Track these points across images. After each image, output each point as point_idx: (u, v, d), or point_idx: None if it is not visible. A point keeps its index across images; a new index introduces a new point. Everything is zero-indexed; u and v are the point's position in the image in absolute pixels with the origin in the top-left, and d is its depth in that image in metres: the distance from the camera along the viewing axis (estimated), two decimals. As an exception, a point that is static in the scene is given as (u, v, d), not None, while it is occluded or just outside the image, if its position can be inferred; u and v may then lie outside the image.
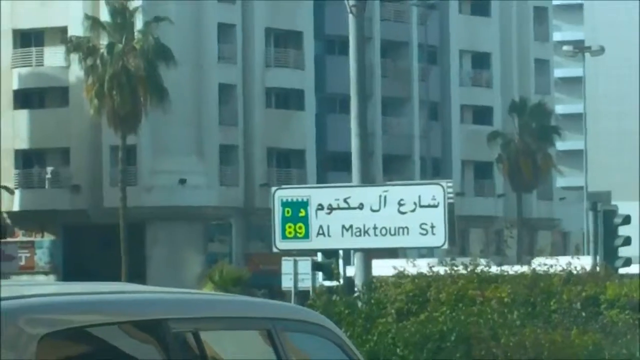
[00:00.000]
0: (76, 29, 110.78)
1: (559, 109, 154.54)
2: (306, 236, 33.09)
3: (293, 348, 7.38)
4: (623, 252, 55.63)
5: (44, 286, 7.66)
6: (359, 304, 33.92)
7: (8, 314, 5.44)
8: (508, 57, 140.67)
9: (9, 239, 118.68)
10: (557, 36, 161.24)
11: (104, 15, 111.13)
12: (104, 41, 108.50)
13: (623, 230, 56.21)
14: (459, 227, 69.26)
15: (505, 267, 40.50)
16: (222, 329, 7.10)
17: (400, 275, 35.35)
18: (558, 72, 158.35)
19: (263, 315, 7.62)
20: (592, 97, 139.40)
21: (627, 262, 53.73)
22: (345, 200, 33.17)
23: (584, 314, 30.86)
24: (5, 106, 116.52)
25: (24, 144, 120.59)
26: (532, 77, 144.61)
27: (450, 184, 38.44)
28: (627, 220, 56.93)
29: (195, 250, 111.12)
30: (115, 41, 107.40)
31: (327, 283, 45.74)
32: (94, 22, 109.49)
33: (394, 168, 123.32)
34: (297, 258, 58.40)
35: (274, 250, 36.17)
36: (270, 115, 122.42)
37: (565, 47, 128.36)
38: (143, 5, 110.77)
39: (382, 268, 39.53)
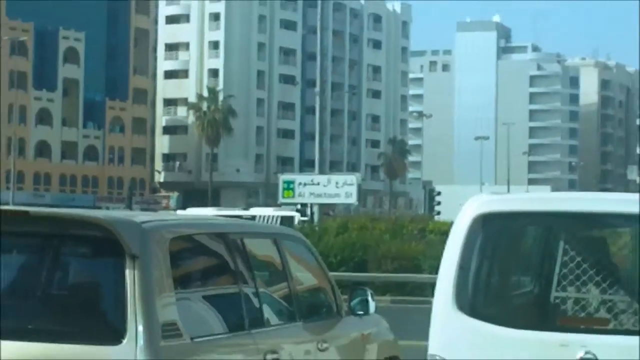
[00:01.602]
0: (192, 98, 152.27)
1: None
2: (293, 197, 46.56)
3: (287, 249, 10.32)
4: (437, 208, 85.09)
5: (170, 216, 10.07)
6: (316, 229, 45.23)
7: (154, 228, 8.14)
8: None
9: (158, 194, 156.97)
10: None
11: (205, 91, 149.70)
12: (204, 104, 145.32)
13: (438, 198, 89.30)
14: (362, 195, 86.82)
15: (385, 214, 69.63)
16: (253, 238, 9.98)
17: (333, 217, 54.04)
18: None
19: (272, 232, 11.27)
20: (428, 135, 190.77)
21: (438, 213, 79.81)
22: (311, 181, 46.71)
23: (418, 235, 42.93)
24: (158, 133, 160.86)
25: (166, 150, 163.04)
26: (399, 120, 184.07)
27: (359, 174, 59.84)
28: (438, 193, 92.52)
29: (242, 202, 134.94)
30: (210, 104, 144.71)
31: (303, 218, 54.86)
32: (200, 96, 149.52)
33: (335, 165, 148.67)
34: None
35: (279, 202, 52.15)
36: (279, 142, 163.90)
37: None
38: (223, 87, 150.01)
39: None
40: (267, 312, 9.08)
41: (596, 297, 8.48)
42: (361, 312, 10.69)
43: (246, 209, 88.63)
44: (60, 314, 7.61)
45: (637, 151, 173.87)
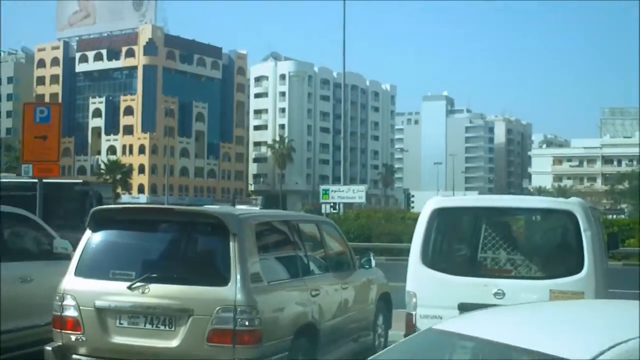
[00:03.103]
0: (269, 141, 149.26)
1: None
2: (328, 198, 43.27)
3: (323, 229, 10.01)
4: (411, 205, 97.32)
5: (257, 211, 11.09)
6: (341, 217, 43.63)
7: (246, 217, 7.98)
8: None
9: (250, 198, 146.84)
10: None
11: (277, 137, 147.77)
12: (277, 145, 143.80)
13: (412, 199, 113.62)
14: (368, 198, 72.39)
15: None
16: (304, 223, 9.72)
17: (351, 210, 48.75)
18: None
19: (314, 219, 10.68)
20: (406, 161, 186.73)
21: (412, 207, 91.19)
22: (339, 189, 44.50)
23: (401, 220, 39.80)
24: (250, 162, 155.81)
25: (255, 172, 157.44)
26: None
27: (366, 185, 64.52)
28: (412, 196, 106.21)
29: (299, 203, 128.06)
30: (280, 145, 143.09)
31: (334, 211, 46.17)
32: (274, 140, 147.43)
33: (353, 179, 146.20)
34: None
35: (320, 202, 45.72)
36: (320, 167, 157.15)
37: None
38: (288, 135, 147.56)
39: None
40: (312, 266, 9.19)
41: (504, 257, 8.76)
42: (367, 267, 10.96)
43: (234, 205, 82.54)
44: (191, 267, 7.86)
45: (528, 170, 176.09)
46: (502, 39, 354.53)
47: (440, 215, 8.79)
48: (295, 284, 8.43)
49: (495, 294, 8.16)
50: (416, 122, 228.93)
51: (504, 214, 9.03)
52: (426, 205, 8.98)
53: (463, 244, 9.38)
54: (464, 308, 8.05)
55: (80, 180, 33.29)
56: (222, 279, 7.37)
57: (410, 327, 8.58)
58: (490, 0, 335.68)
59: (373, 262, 10.91)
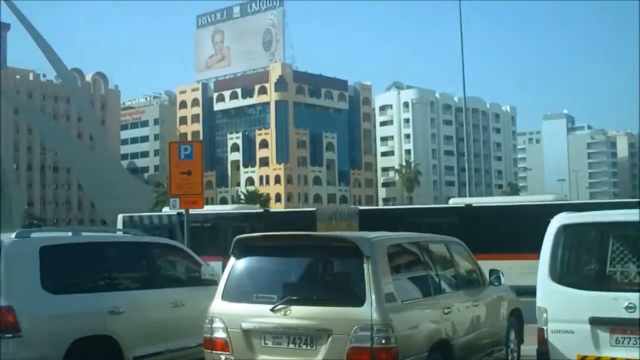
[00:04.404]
0: (396, 166, 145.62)
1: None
2: None
3: (452, 248, 9.85)
4: None
5: (387, 233, 8.73)
6: None
7: (378, 240, 8.02)
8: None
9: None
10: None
11: (403, 162, 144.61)
12: (404, 169, 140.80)
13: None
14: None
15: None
16: (433, 243, 9.52)
17: None
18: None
19: (443, 239, 10.16)
20: (530, 179, 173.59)
21: None
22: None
23: None
24: (379, 187, 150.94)
25: (384, 196, 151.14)
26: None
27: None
28: None
29: None
30: (406, 169, 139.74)
31: None
32: (401, 165, 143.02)
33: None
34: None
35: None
36: (446, 188, 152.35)
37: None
38: (413, 159, 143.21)
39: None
40: (443, 285, 9.10)
41: (634, 270, 8.28)
42: (496, 283, 10.75)
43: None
44: (329, 289, 7.98)
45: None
46: (618, 52, 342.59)
47: (567, 231, 8.54)
48: (428, 302, 8.40)
49: (627, 308, 7.85)
50: (537, 141, 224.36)
51: (631, 228, 8.57)
52: (552, 222, 8.76)
53: (591, 259, 9.07)
54: (595, 322, 7.89)
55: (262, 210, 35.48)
56: (358, 300, 7.43)
57: (542, 342, 8.37)
58: (606, 14, 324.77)
59: (502, 279, 10.71)
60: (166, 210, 33.87)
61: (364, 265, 7.55)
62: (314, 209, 36.89)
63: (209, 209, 37.98)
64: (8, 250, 8.14)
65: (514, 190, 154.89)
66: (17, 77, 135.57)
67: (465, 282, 9.88)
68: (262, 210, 32.93)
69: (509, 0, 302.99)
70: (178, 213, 28.57)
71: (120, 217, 33.20)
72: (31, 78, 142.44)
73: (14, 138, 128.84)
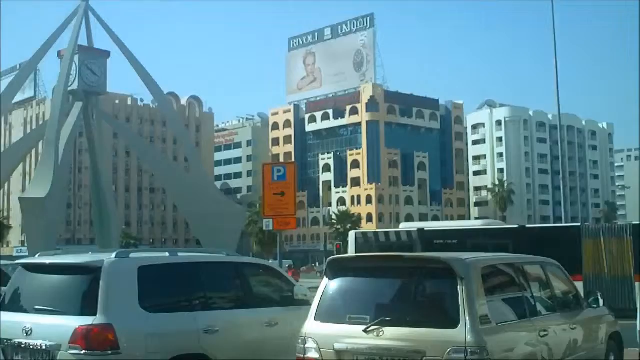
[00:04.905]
0: (489, 185, 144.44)
1: None
2: None
3: (549, 270, 9.67)
4: None
5: (481, 254, 8.64)
6: None
7: (472, 261, 7.93)
8: None
9: None
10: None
11: (496, 181, 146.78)
12: (497, 189, 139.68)
13: None
14: None
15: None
16: (528, 265, 9.38)
17: None
18: None
19: (539, 260, 9.80)
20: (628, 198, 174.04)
21: None
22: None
23: None
24: (472, 206, 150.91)
25: (476, 215, 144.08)
26: None
27: (587, 224, 43.69)
28: None
29: None
30: (499, 188, 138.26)
31: None
32: (494, 184, 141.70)
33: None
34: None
35: None
36: (540, 207, 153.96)
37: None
38: (507, 178, 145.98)
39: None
40: (539, 307, 8.88)
41: None
42: (595, 306, 10.38)
43: None
44: (422, 311, 7.87)
45: None
46: None
47: None
48: (524, 325, 8.22)
49: None
50: (636, 158, 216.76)
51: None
52: None
53: None
54: None
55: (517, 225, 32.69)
56: (452, 321, 7.35)
57: (643, 366, 8.15)
58: None
59: (601, 301, 10.40)
60: (405, 225, 33.81)
61: (458, 286, 7.46)
62: (578, 223, 34.92)
63: (450, 224, 37.00)
64: (108, 270, 8.37)
65: (612, 210, 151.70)
66: (116, 101, 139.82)
67: (561, 304, 9.63)
68: (517, 226, 30.55)
69: (602, 17, 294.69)
70: (418, 229, 29.14)
71: (352, 234, 31.50)
72: (129, 102, 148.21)
73: (112, 161, 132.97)
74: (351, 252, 28.52)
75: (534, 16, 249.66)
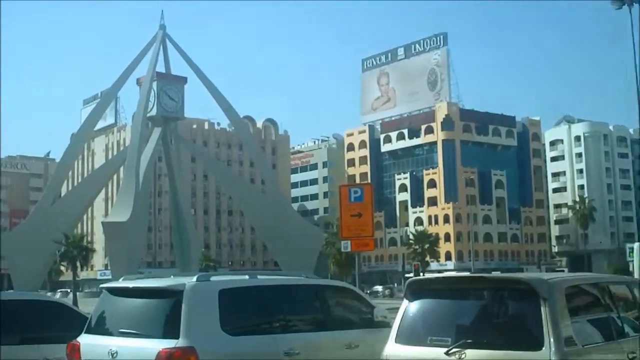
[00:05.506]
0: (569, 202, 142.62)
1: None
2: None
3: (637, 290, 9.04)
4: None
5: (563, 274, 8.50)
6: None
7: (555, 282, 7.68)
8: None
9: (554, 259, 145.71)
10: None
11: (577, 198, 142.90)
12: (577, 206, 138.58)
13: None
14: None
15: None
16: (613, 284, 8.78)
17: None
18: None
19: (625, 280, 9.46)
20: None
21: None
22: None
23: None
24: (552, 225, 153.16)
25: (557, 234, 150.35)
26: None
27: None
28: None
29: (603, 262, 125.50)
30: (580, 205, 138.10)
31: None
32: (574, 201, 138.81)
33: None
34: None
35: (627, 260, 41.04)
36: (624, 224, 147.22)
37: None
38: (587, 195, 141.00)
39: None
40: (627, 328, 8.50)
41: None
42: None
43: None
44: (504, 332, 7.68)
45: None
46: None
47: None
48: (611, 347, 7.94)
49: None
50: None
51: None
52: None
53: None
54: None
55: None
56: (535, 343, 7.19)
57: None
58: None
59: None
60: None
61: (541, 307, 7.32)
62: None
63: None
64: (190, 294, 8.51)
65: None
66: (194, 126, 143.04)
67: None
68: None
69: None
70: None
71: (636, 245, 30.11)
72: (206, 127, 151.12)
73: (191, 184, 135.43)
74: None
75: (608, 28, 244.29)
